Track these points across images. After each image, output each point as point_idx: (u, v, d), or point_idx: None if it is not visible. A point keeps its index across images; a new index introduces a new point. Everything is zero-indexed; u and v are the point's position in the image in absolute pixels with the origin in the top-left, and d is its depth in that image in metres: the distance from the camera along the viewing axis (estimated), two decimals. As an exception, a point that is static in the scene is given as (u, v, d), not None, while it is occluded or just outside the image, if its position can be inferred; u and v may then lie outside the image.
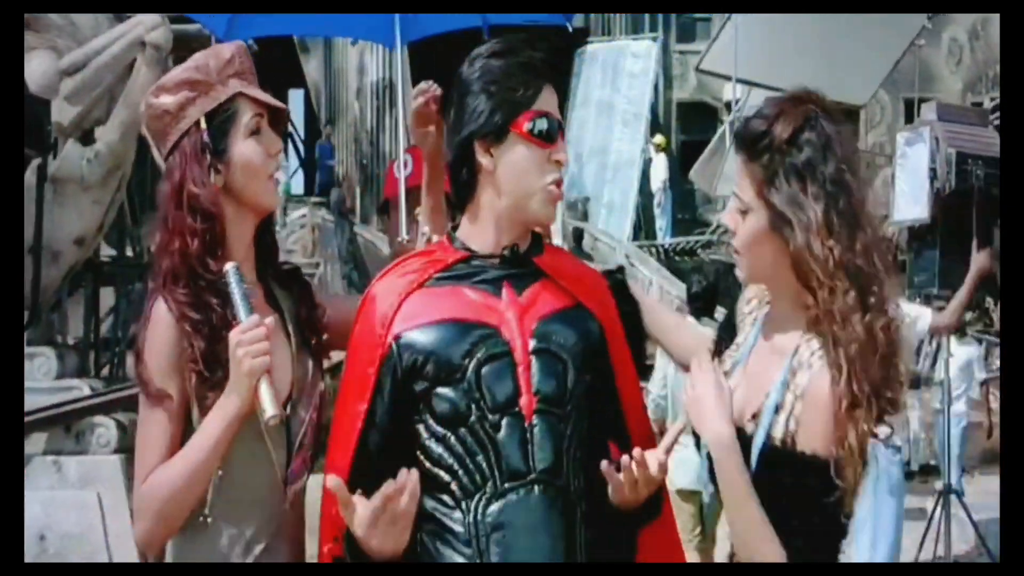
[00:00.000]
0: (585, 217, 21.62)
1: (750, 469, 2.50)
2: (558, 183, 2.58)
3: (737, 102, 12.71)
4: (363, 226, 21.15)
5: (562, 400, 2.55)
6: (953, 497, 8.40)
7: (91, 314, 11.58)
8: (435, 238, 2.98)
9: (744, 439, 2.53)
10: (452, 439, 2.53)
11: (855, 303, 2.45)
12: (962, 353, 10.35)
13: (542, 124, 2.56)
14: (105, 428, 6.82)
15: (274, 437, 2.65)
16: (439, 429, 2.54)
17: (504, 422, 2.52)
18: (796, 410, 2.48)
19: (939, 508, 8.09)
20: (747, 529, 2.46)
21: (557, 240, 16.01)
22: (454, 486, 2.51)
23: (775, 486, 2.48)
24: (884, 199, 22.39)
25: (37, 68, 6.53)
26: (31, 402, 6.76)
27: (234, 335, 2.56)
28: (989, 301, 18.10)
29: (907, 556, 8.48)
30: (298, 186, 30.07)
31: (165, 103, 2.77)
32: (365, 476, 2.48)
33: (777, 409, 2.51)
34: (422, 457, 2.54)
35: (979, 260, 7.33)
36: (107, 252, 11.55)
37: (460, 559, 2.50)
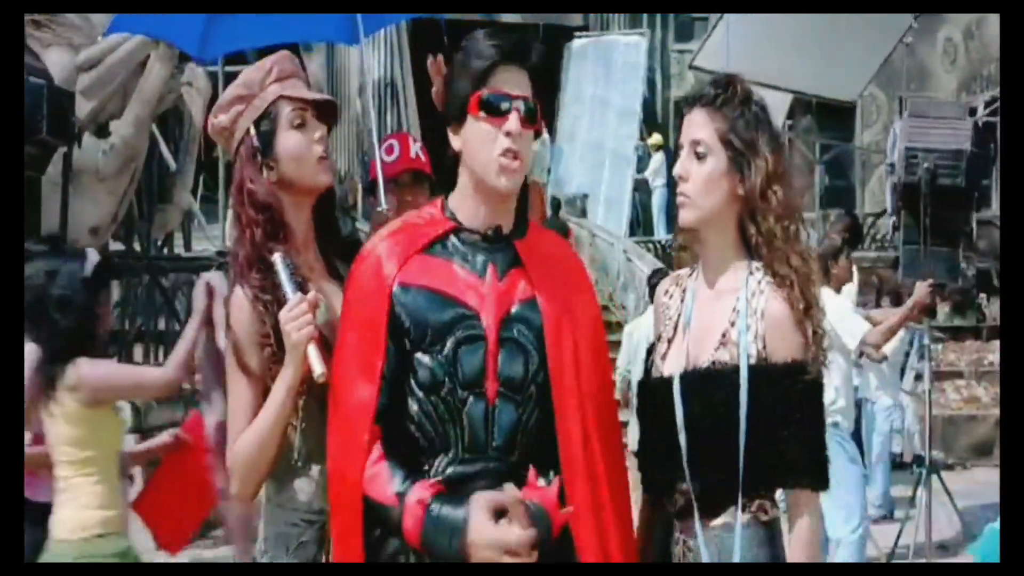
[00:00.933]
0: (583, 214, 21.86)
1: (726, 393, 2.89)
2: (510, 153, 2.81)
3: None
4: (364, 221, 21.37)
5: (522, 386, 2.83)
6: (937, 485, 8.70)
7: (101, 307, 11.85)
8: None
9: (712, 371, 2.93)
10: (426, 404, 2.82)
11: (795, 233, 2.95)
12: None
13: (489, 100, 2.82)
14: (120, 409, 7.02)
15: None
16: (417, 391, 2.82)
17: (470, 399, 2.80)
18: (759, 329, 2.91)
19: (920, 490, 8.32)
20: None
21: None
22: (422, 442, 2.82)
23: (774, 399, 2.88)
24: (880, 196, 22.54)
25: (55, 64, 6.77)
26: (48, 385, 7.00)
27: (282, 315, 2.95)
28: (983, 297, 18.32)
29: (889, 539, 8.74)
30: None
31: (222, 121, 3.23)
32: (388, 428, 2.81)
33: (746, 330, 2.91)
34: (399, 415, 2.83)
35: (918, 292, 7.75)
36: (114, 247, 11.82)
37: None
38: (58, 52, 7.03)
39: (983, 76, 22.72)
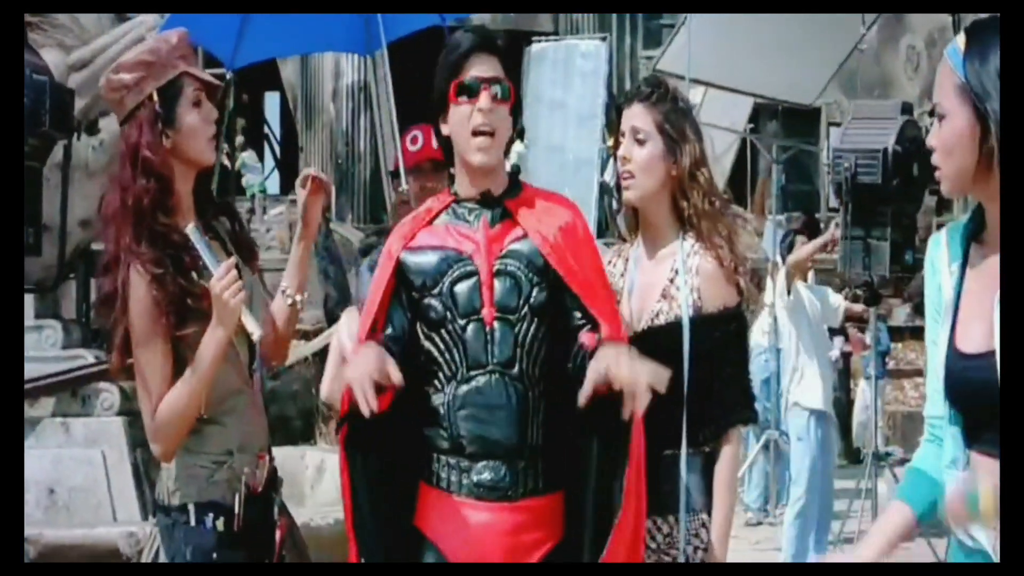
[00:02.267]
0: (554, 215, 22.18)
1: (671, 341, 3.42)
2: (482, 130, 3.30)
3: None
4: (338, 223, 21.68)
5: (516, 309, 3.30)
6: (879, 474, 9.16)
7: (82, 301, 12.07)
8: (298, 297, 3.69)
9: (656, 327, 3.49)
10: (436, 338, 3.32)
11: (719, 207, 3.53)
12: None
13: (463, 87, 3.32)
14: (109, 393, 7.24)
15: (239, 339, 3.38)
16: (427, 331, 3.33)
17: (470, 326, 3.29)
18: (695, 283, 3.45)
19: (868, 477, 8.69)
20: None
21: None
22: (440, 374, 3.30)
23: (712, 342, 3.43)
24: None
25: (48, 63, 7.06)
26: (40, 369, 7.25)
27: (214, 284, 3.22)
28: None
29: (835, 525, 9.14)
30: (274, 186, 30.50)
31: (124, 79, 3.41)
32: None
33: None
34: (421, 355, 3.34)
35: (827, 233, 8.75)
36: (96, 245, 12.04)
37: (440, 436, 3.31)
38: (50, 52, 7.29)
39: (944, 83, 23.09)
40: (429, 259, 3.35)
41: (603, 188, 23.52)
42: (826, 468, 8.79)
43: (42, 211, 6.36)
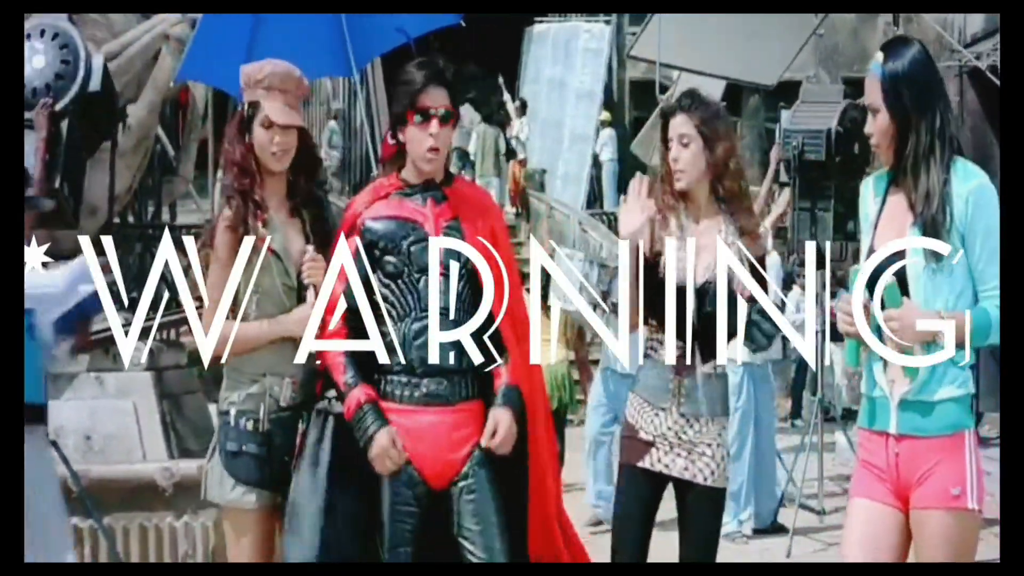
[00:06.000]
0: (542, 188, 23.01)
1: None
2: (432, 148, 4.41)
3: (664, 88, 14.06)
4: (337, 195, 22.45)
5: (455, 268, 4.38)
6: (839, 428, 9.85)
7: (104, 271, 12.81)
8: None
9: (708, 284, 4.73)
10: (392, 287, 4.40)
11: (746, 188, 4.95)
12: None
13: (420, 116, 4.38)
14: (138, 351, 7.83)
15: (288, 291, 4.58)
16: (386, 280, 4.40)
17: (422, 279, 4.38)
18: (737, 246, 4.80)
19: (815, 421, 9.33)
20: None
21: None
22: (394, 314, 4.38)
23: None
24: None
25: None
26: (76, 330, 8.04)
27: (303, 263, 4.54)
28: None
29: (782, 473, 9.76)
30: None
31: (242, 77, 4.65)
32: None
33: None
34: (379, 298, 4.40)
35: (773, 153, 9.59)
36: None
37: (395, 361, 4.38)
38: (84, 47, 8.06)
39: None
40: (388, 226, 4.40)
41: (593, 161, 24.44)
42: (761, 421, 9.42)
43: (83, 190, 7.13)
